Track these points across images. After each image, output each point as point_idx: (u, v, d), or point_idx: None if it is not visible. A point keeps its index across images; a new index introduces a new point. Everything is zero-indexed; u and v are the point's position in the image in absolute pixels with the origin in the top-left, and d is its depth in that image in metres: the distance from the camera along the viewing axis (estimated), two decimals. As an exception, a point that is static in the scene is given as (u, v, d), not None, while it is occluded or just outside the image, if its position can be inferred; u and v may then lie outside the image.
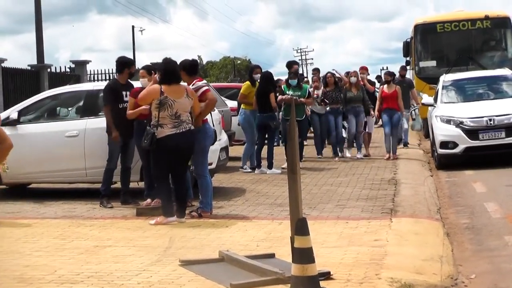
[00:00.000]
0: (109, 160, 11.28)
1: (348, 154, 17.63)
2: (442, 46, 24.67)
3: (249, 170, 15.26)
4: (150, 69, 11.01)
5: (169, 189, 9.81)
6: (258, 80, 15.79)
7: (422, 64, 24.41)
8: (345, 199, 11.43)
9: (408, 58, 25.46)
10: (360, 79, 17.97)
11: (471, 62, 23.32)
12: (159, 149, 9.58)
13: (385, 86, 17.38)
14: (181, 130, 9.58)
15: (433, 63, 24.41)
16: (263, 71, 16.32)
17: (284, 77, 17.90)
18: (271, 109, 15.02)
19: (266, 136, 15.46)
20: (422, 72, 24.12)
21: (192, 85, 10.20)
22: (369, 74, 19.96)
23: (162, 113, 9.51)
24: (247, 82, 16.02)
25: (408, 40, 25.14)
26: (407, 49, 25.15)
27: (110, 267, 7.22)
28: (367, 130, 18.36)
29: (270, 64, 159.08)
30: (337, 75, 18.36)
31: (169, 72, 9.79)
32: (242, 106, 15.87)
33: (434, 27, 24.19)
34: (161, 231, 9.16)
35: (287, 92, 15.76)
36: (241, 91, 16.08)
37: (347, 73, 18.46)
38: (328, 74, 17.93)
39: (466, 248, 8.49)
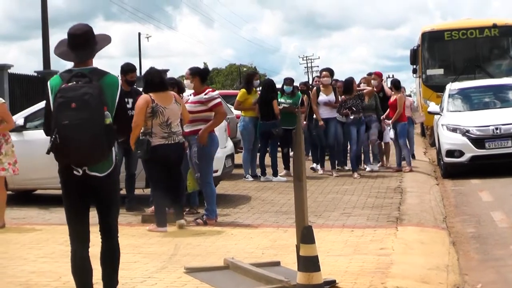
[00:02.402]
0: None
1: (368, 168, 16.42)
2: (449, 54, 24.50)
3: (251, 179, 15.24)
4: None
5: (163, 199, 9.81)
6: (256, 87, 15.80)
7: (429, 72, 24.27)
8: (351, 207, 11.41)
9: (415, 66, 25.34)
10: (373, 85, 17.00)
11: (479, 70, 23.22)
12: (150, 158, 9.61)
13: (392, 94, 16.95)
14: (170, 142, 9.62)
15: (440, 71, 24.28)
16: (266, 78, 16.30)
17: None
18: (273, 117, 15.01)
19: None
20: (429, 80, 23.98)
21: (205, 94, 10.21)
22: (382, 80, 18.60)
23: (153, 121, 9.53)
24: (243, 89, 15.93)
25: (415, 47, 25.02)
26: (414, 56, 25.01)
27: (115, 274, 7.20)
28: (383, 140, 17.21)
29: (275, 72, 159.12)
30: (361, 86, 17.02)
31: (148, 81, 9.86)
32: (241, 113, 15.82)
33: (441, 35, 24.08)
34: (166, 238, 9.15)
35: (280, 100, 15.65)
36: (237, 98, 16.04)
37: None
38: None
39: (472, 257, 8.47)
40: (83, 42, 5.69)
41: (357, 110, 15.64)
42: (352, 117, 15.58)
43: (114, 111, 5.61)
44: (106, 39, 5.85)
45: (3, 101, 10.41)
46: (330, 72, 16.42)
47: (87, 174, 5.58)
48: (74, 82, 5.51)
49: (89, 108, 5.38)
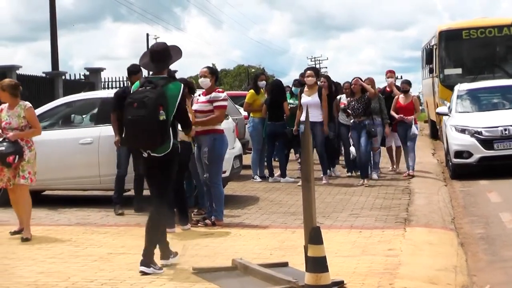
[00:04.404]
0: (117, 167, 11.36)
1: (375, 176, 15.12)
2: (467, 53, 23.88)
3: (259, 180, 15.24)
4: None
5: (170, 200, 9.79)
6: (263, 88, 15.79)
7: (447, 71, 23.56)
8: (359, 208, 11.40)
9: (431, 65, 24.57)
10: (390, 82, 16.33)
11: (498, 70, 22.78)
12: None
13: (401, 96, 15.88)
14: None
15: (458, 70, 23.54)
16: (274, 79, 16.07)
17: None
18: (282, 118, 14.98)
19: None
20: (446, 80, 23.09)
21: (212, 94, 10.21)
22: (397, 78, 17.25)
23: None
24: (251, 90, 15.94)
25: (432, 46, 24.33)
26: (430, 56, 24.43)
27: (124, 275, 7.23)
28: (387, 145, 16.17)
29: (284, 73, 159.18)
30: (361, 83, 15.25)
31: None
32: (251, 114, 15.83)
33: (459, 34, 23.51)
34: (174, 239, 9.15)
35: (289, 101, 15.55)
36: (245, 99, 16.06)
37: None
38: (354, 80, 14.95)
39: (480, 258, 8.45)
40: (160, 57, 7.56)
41: (357, 114, 14.48)
42: (351, 120, 14.68)
43: (174, 110, 7.28)
44: (178, 53, 7.75)
45: (30, 105, 9.98)
46: (315, 71, 15.21)
47: (150, 155, 7.32)
48: (144, 87, 7.31)
49: (145, 107, 7.08)
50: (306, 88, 14.60)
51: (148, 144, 7.27)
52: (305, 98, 14.42)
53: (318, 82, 14.96)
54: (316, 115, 14.18)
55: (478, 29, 23.47)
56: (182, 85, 7.53)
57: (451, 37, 23.70)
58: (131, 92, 7.65)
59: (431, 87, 25.78)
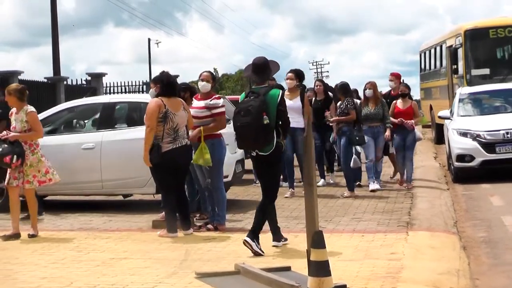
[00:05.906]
0: None
1: (371, 187, 13.97)
2: (495, 53, 22.96)
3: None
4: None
5: (173, 205, 9.82)
6: None
7: (474, 72, 22.17)
8: (361, 212, 11.40)
9: (455, 66, 23.36)
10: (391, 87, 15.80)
11: None
12: (157, 164, 9.65)
13: (399, 100, 14.87)
14: (176, 146, 9.63)
15: (486, 71, 22.25)
16: (275, 83, 15.85)
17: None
18: None
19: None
20: (473, 81, 21.52)
21: (210, 100, 10.20)
22: (401, 83, 16.07)
23: (161, 127, 9.54)
24: None
25: (456, 46, 22.89)
26: (455, 56, 22.86)
27: (126, 280, 7.23)
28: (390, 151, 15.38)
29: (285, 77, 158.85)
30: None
31: (172, 84, 9.90)
32: None
33: (486, 33, 22.38)
34: (177, 244, 9.17)
35: None
36: None
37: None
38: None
39: (483, 262, 8.45)
40: (261, 70, 8.67)
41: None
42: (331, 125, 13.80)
43: (275, 114, 8.38)
44: (276, 66, 8.85)
45: (33, 109, 10.06)
46: (297, 73, 13.95)
47: (258, 154, 8.48)
48: (249, 97, 8.48)
49: (250, 115, 8.26)
50: (287, 92, 13.24)
51: (254, 145, 8.43)
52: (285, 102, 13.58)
53: (308, 86, 14.81)
54: (297, 121, 13.00)
55: (506, 27, 22.35)
56: (280, 91, 8.58)
57: (478, 37, 22.47)
58: (239, 101, 8.84)
59: (446, 89, 25.18)
